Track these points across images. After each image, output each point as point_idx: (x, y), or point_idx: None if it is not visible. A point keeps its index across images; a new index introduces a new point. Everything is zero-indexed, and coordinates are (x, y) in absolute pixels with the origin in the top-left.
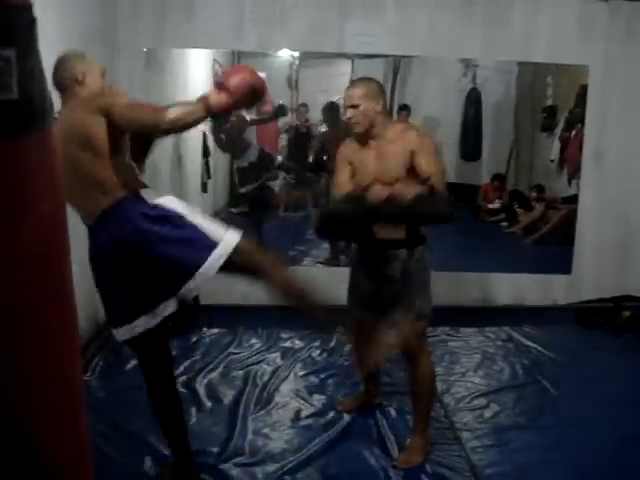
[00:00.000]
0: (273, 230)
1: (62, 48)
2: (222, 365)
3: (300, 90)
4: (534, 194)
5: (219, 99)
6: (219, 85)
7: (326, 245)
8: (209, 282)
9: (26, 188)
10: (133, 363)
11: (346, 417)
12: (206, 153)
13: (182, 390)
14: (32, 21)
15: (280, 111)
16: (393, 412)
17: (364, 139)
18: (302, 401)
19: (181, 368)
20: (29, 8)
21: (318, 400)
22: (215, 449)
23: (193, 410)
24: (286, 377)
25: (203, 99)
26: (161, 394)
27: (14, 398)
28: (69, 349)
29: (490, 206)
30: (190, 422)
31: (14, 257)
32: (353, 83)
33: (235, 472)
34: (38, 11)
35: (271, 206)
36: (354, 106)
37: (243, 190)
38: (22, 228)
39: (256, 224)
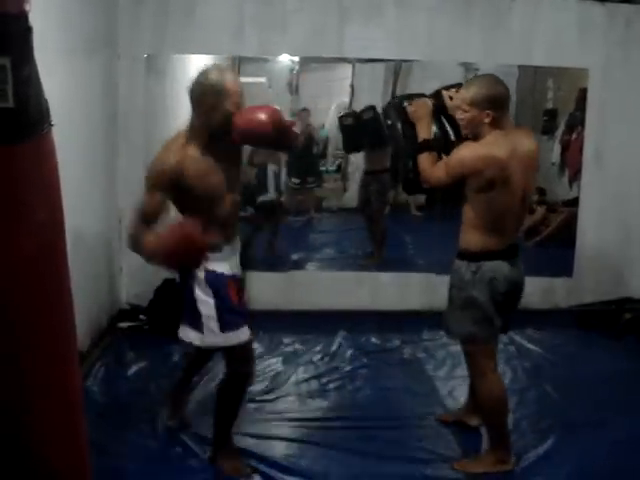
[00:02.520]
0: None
1: (63, 55)
2: (222, 369)
3: (301, 95)
4: (535, 197)
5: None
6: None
7: (328, 249)
8: None
9: (23, 193)
10: (134, 369)
11: (346, 423)
12: None
13: None
14: (27, 30)
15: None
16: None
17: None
18: (303, 406)
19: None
20: (24, 17)
21: (319, 405)
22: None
23: (194, 415)
24: (287, 381)
25: None
26: None
27: (12, 401)
28: (66, 352)
29: None
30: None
31: (11, 261)
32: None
33: None
34: (39, 18)
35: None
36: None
37: (260, 200)
38: (19, 232)
39: (272, 231)
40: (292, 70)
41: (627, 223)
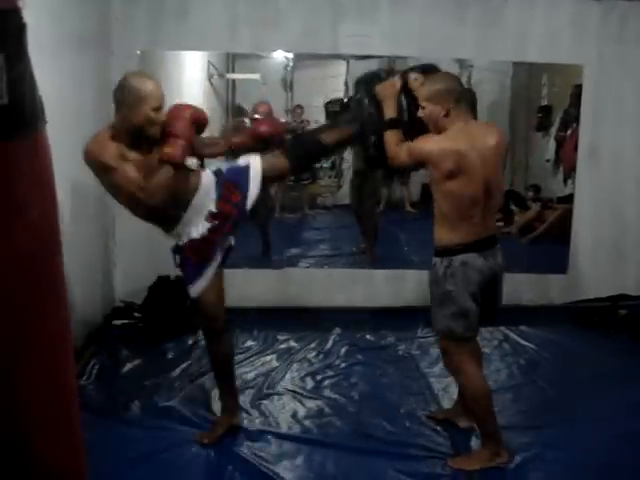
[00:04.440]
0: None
1: (56, 52)
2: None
3: (295, 91)
4: (530, 194)
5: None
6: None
7: (322, 246)
8: None
9: (16, 190)
10: (129, 367)
11: (341, 420)
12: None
13: (178, 394)
14: (21, 26)
15: None
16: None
17: None
18: (298, 403)
19: (177, 371)
20: (18, 13)
21: (314, 402)
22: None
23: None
24: (282, 379)
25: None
26: None
27: (7, 401)
28: (62, 350)
29: None
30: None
31: (5, 259)
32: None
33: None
34: (32, 14)
35: (272, 209)
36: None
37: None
38: (12, 230)
39: (261, 227)
40: (286, 67)
41: (622, 219)
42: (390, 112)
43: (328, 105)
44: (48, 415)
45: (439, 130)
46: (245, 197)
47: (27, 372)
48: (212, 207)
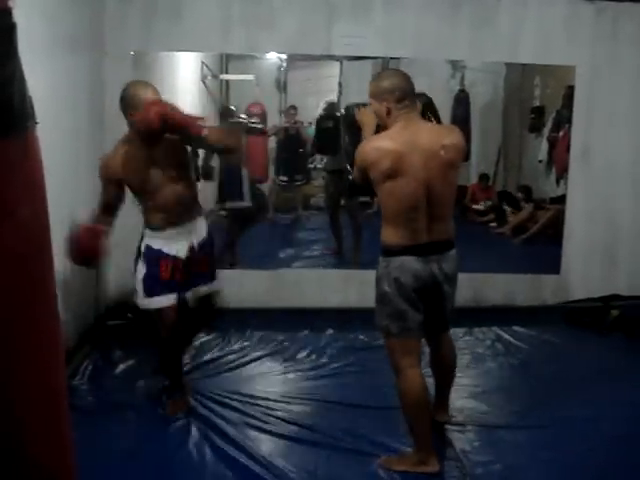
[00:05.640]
0: (263, 232)
1: (49, 52)
2: (211, 367)
3: (289, 92)
4: (520, 195)
5: None
6: None
7: (315, 246)
8: None
9: (6, 191)
10: (122, 367)
11: (334, 420)
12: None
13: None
14: (11, 26)
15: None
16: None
17: None
18: (291, 403)
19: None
20: (8, 13)
21: (307, 402)
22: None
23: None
24: (275, 379)
25: None
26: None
27: None
28: (52, 350)
29: (475, 207)
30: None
31: None
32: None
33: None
34: (24, 15)
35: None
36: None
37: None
38: (2, 230)
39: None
40: (280, 67)
41: (614, 220)
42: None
43: (320, 121)
44: (37, 414)
45: (385, 128)
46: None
47: (16, 372)
48: (195, 243)
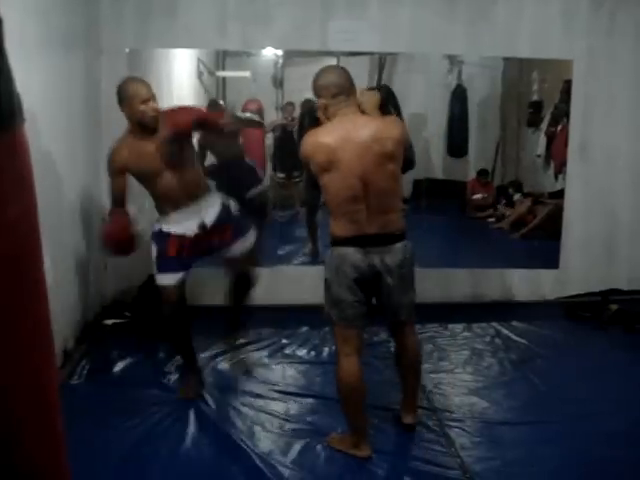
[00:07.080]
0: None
1: (44, 50)
2: (209, 364)
3: (285, 89)
4: (511, 190)
5: None
6: None
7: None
8: None
9: None
10: (119, 367)
11: (332, 416)
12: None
13: (170, 394)
14: None
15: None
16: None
17: None
18: (289, 400)
19: (167, 370)
20: None
21: (305, 399)
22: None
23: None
24: (273, 376)
25: None
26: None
27: None
28: (44, 350)
29: (474, 197)
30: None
31: None
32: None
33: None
34: (18, 12)
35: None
36: None
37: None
38: None
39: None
40: (276, 64)
41: (613, 214)
42: None
43: (301, 119)
44: (29, 414)
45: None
46: (227, 245)
47: (7, 373)
48: (207, 220)
